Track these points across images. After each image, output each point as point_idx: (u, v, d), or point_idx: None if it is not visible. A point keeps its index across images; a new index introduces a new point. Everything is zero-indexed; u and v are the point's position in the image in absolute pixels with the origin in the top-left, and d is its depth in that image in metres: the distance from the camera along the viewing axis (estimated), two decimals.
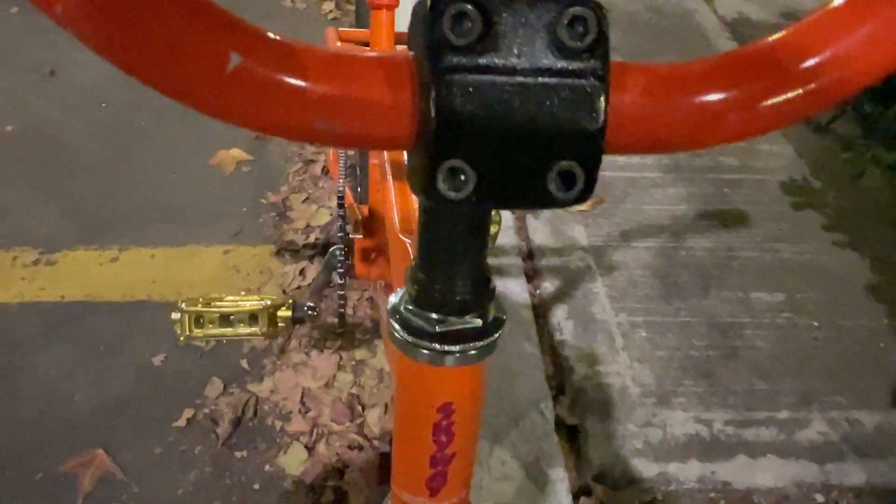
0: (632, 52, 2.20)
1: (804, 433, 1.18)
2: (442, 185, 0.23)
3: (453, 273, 0.33)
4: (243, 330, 0.78)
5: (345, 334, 1.52)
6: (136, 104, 2.09)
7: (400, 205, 0.77)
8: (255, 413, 1.37)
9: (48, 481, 1.23)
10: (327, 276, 0.98)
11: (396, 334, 0.34)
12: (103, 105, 2.11)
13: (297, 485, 1.26)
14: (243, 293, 0.78)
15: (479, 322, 0.34)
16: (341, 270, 0.96)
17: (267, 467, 1.29)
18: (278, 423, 1.36)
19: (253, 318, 0.78)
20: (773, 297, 1.41)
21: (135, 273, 1.64)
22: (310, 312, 0.85)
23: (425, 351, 0.34)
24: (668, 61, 0.27)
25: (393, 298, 0.36)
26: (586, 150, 0.24)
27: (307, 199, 1.84)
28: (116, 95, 2.12)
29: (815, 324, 1.37)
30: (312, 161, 1.96)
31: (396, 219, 0.74)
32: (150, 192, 1.85)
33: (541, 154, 0.24)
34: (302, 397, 1.39)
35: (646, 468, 1.10)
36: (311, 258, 1.68)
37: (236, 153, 1.96)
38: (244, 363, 1.46)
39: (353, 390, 1.41)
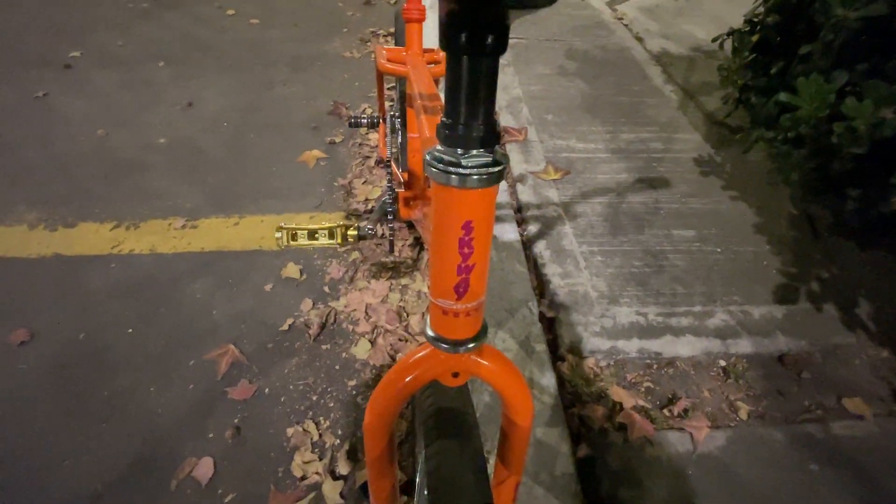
0: (586, 76, 2.15)
1: (711, 321, 1.16)
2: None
3: (471, 115, 0.32)
4: (324, 241, 0.78)
5: (394, 267, 1.52)
6: (247, 123, 2.10)
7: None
8: (335, 320, 1.38)
9: (198, 365, 1.25)
10: (381, 214, 0.98)
11: (434, 169, 0.34)
12: (225, 124, 2.11)
13: (364, 366, 1.27)
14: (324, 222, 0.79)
15: (490, 156, 0.33)
16: (390, 209, 0.96)
17: (343, 355, 1.30)
18: (350, 327, 1.37)
19: (331, 233, 0.78)
20: (687, 233, 1.39)
21: (250, 232, 1.65)
22: (370, 231, 0.85)
23: (454, 177, 0.33)
24: None
25: (429, 152, 0.35)
26: None
27: (365, 181, 1.83)
28: (234, 118, 2.12)
29: (718, 250, 1.34)
30: (368, 157, 1.94)
31: None
32: (259, 180, 1.85)
33: None
34: (366, 309, 1.40)
35: (601, 344, 1.09)
36: (368, 219, 1.68)
37: (316, 153, 1.95)
38: (326, 288, 1.47)
39: (401, 304, 1.41)
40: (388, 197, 1.00)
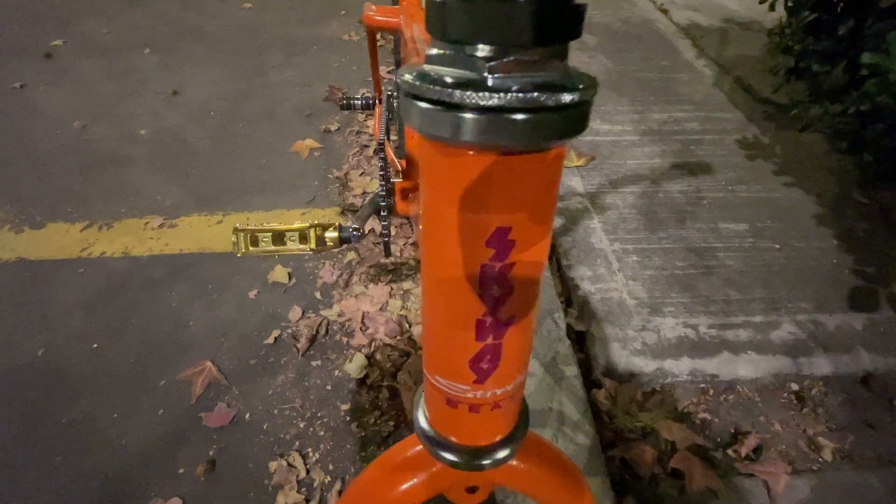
0: (608, 51, 1.93)
1: (776, 333, 0.95)
2: None
3: None
4: (294, 246, 0.59)
5: (394, 270, 1.33)
6: (235, 113, 1.92)
7: None
8: (327, 331, 1.20)
9: (169, 386, 1.08)
10: (372, 208, 0.79)
11: (420, 106, 0.14)
12: (212, 114, 1.93)
13: (359, 385, 1.09)
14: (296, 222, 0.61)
15: (556, 70, 0.14)
16: (384, 203, 0.76)
17: (336, 373, 1.12)
18: (344, 339, 1.18)
19: (303, 236, 0.60)
20: (738, 226, 1.17)
21: None
22: (355, 233, 0.67)
23: (468, 120, 0.13)
24: None
25: (407, 70, 0.15)
26: None
27: (362, 173, 1.64)
28: (221, 107, 1.95)
29: (776, 246, 1.12)
30: (366, 146, 1.75)
31: None
32: (247, 173, 1.67)
33: None
34: (362, 318, 1.21)
35: (645, 365, 0.89)
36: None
37: (309, 143, 1.76)
38: (318, 294, 1.29)
39: (402, 312, 1.22)
40: (381, 189, 0.81)
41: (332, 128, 1.84)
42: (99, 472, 0.94)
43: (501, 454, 0.22)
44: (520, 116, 0.12)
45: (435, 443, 0.22)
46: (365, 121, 1.90)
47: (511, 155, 0.13)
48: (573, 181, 1.28)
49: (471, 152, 0.13)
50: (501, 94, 0.12)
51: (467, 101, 0.13)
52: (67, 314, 1.23)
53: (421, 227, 0.17)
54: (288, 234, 0.58)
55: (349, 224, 0.67)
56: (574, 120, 0.14)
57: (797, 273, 1.06)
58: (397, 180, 0.89)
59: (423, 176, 0.15)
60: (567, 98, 0.13)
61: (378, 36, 1.04)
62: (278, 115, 1.92)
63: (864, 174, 1.23)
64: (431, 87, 0.12)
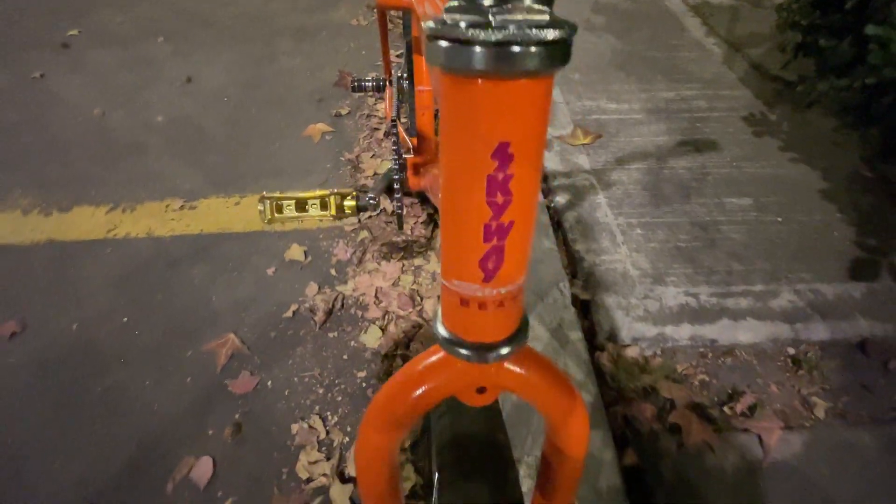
0: (615, 30, 1.94)
1: (776, 301, 0.99)
2: None
3: None
4: (315, 213, 0.64)
5: (405, 247, 1.39)
6: (247, 99, 1.98)
7: None
8: (342, 305, 1.26)
9: (196, 357, 1.16)
10: (385, 182, 0.84)
11: (438, 44, 0.19)
12: (225, 100, 1.99)
13: (374, 355, 1.16)
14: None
15: (544, 13, 0.19)
16: (397, 177, 0.81)
17: (352, 343, 1.18)
18: (359, 312, 1.25)
19: (323, 203, 0.65)
20: (742, 201, 1.20)
21: (252, 212, 1.53)
22: (371, 201, 0.72)
23: (478, 52, 0.19)
24: None
25: (430, 21, 0.20)
26: None
27: (373, 155, 1.69)
28: (234, 94, 2.01)
29: (779, 219, 1.15)
30: (377, 129, 1.80)
31: None
32: (261, 157, 1.74)
33: None
34: (376, 293, 1.28)
35: (646, 330, 0.94)
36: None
37: (321, 127, 1.82)
38: (333, 271, 1.35)
39: (413, 287, 1.28)
40: (394, 164, 0.86)
41: (343, 112, 1.89)
42: (133, 435, 1.02)
43: (504, 350, 0.27)
44: (517, 49, 0.17)
45: (451, 342, 0.28)
46: (375, 105, 1.94)
47: (510, 81, 0.18)
48: (580, 158, 1.31)
49: (479, 80, 0.18)
50: (503, 31, 0.17)
51: (477, 37, 0.18)
52: (98, 291, 1.31)
53: (440, 154, 0.22)
54: (310, 201, 0.63)
55: (366, 194, 0.72)
56: (559, 52, 0.19)
57: (799, 245, 1.09)
58: (409, 156, 0.94)
59: (442, 107, 0.20)
60: (553, 34, 0.18)
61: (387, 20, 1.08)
62: (290, 100, 1.98)
63: (870, 149, 1.25)
64: (450, 29, 0.17)
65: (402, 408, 0.32)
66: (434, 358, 0.31)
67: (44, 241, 1.45)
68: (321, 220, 1.52)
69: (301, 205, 0.64)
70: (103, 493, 0.94)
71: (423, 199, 1.46)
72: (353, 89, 1.20)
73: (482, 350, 0.27)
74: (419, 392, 0.32)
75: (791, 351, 0.93)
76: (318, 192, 0.66)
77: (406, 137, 0.98)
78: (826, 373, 0.90)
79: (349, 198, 0.69)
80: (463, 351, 0.27)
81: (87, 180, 1.66)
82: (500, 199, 0.21)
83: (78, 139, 1.81)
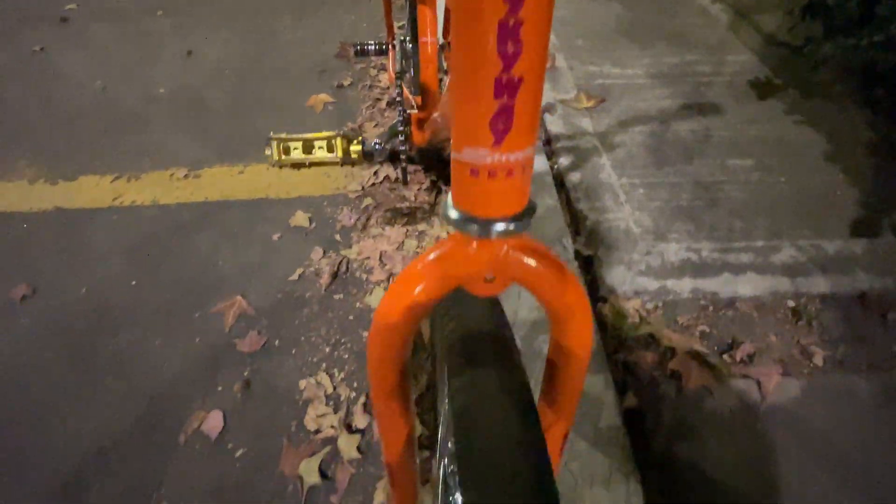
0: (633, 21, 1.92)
1: (777, 256, 1.00)
2: None
3: None
4: (322, 154, 0.66)
5: (409, 213, 1.40)
6: (249, 72, 1.98)
7: None
8: (347, 269, 1.28)
9: (204, 318, 1.18)
10: (391, 133, 0.85)
11: None
12: (227, 73, 1.99)
13: None
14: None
15: None
16: (402, 130, 0.82)
17: (357, 304, 1.20)
18: (364, 275, 1.27)
19: (330, 145, 0.66)
20: (745, 162, 1.21)
21: (256, 181, 1.54)
22: (377, 147, 0.73)
23: None
24: None
25: None
26: None
27: (377, 124, 1.70)
28: (235, 67, 2.01)
29: (782, 180, 1.16)
30: (379, 99, 1.80)
31: None
32: (265, 126, 1.74)
33: None
34: (380, 257, 1.29)
35: (648, 284, 0.95)
36: (381, 163, 1.55)
37: (323, 97, 1.82)
38: (337, 237, 1.37)
39: (418, 250, 1.30)
40: (399, 117, 0.87)
41: (346, 83, 1.89)
42: (145, 391, 1.05)
43: (512, 226, 0.28)
44: None
45: (461, 220, 0.29)
46: (377, 76, 1.94)
47: None
48: (583, 122, 1.32)
49: None
50: None
51: None
52: (106, 256, 1.33)
53: (452, 8, 0.23)
54: (316, 142, 0.64)
55: (372, 140, 0.73)
56: None
57: (801, 204, 1.10)
58: (413, 111, 0.94)
59: None
60: None
61: None
62: (292, 72, 1.97)
63: (876, 110, 1.25)
64: None
65: (414, 297, 0.33)
66: (445, 246, 0.33)
67: (51, 208, 1.47)
68: (327, 176, 1.52)
69: (308, 147, 0.65)
70: (119, 443, 0.97)
71: (427, 166, 1.46)
72: (356, 53, 1.20)
73: (491, 224, 0.28)
74: (428, 281, 0.33)
75: (791, 304, 0.95)
76: (325, 134, 0.67)
77: (410, 96, 0.99)
78: (825, 324, 0.92)
79: (355, 142, 0.70)
80: (473, 227, 0.28)
81: (91, 151, 1.67)
82: (510, 48, 0.22)
83: (81, 111, 1.82)
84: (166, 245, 1.36)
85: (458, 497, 0.29)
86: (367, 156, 0.72)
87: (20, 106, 1.85)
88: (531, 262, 0.33)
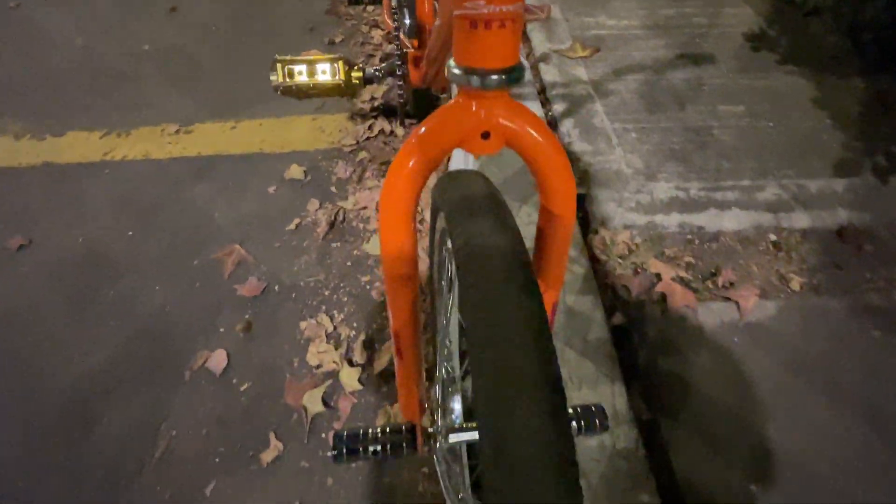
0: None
1: (761, 194, 1.10)
2: None
3: None
4: (325, 79, 0.73)
5: None
6: (236, 29, 2.02)
7: None
8: (344, 219, 1.37)
9: (203, 265, 1.26)
10: (389, 67, 0.92)
11: None
12: (214, 29, 2.03)
13: (377, 261, 1.27)
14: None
15: None
16: (399, 63, 0.90)
17: (355, 252, 1.29)
18: (361, 225, 1.35)
19: (333, 70, 0.74)
20: (735, 108, 1.30)
21: (249, 136, 1.61)
22: (377, 73, 0.80)
23: None
24: None
25: None
26: None
27: None
28: (222, 24, 2.05)
29: (770, 124, 1.26)
30: (372, 55, 1.86)
31: None
32: (255, 84, 1.80)
33: None
34: (377, 206, 1.37)
35: (637, 219, 1.05)
36: (375, 117, 1.63)
37: (314, 53, 1.86)
38: (333, 188, 1.44)
39: None
40: (396, 52, 0.94)
41: (337, 39, 1.95)
42: (148, 333, 1.14)
43: (506, 76, 0.37)
44: None
45: (461, 74, 0.37)
46: (369, 32, 1.99)
47: None
48: (578, 70, 1.40)
49: None
50: None
51: None
52: (100, 209, 1.40)
53: None
54: (319, 66, 0.71)
55: (373, 68, 0.81)
56: None
57: (788, 147, 1.20)
58: (409, 49, 1.02)
59: None
60: None
61: None
62: (281, 29, 2.02)
63: (864, 59, 1.34)
64: None
65: (422, 153, 0.42)
66: (447, 108, 0.41)
67: (40, 163, 1.53)
68: (321, 130, 1.59)
69: (311, 70, 0.72)
70: (124, 380, 1.06)
71: (421, 118, 1.54)
72: (350, 1, 1.26)
73: (489, 75, 0.36)
74: (435, 141, 0.42)
75: (773, 237, 1.05)
76: (328, 56, 0.74)
77: (406, 40, 1.07)
78: (804, 255, 1.02)
79: (356, 69, 0.78)
80: (474, 78, 0.37)
81: (77, 107, 1.72)
82: None
83: (64, 67, 1.86)
84: (161, 198, 1.43)
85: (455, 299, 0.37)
86: (368, 81, 0.79)
87: (0, 61, 1.89)
88: (522, 123, 0.42)
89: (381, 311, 1.17)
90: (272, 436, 0.97)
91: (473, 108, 0.39)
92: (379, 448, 0.58)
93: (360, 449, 0.57)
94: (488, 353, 0.31)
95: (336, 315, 1.17)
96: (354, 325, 1.15)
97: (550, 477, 0.26)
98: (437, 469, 0.72)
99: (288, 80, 0.73)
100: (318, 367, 1.08)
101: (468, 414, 0.62)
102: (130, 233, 1.34)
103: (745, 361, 0.85)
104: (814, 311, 0.92)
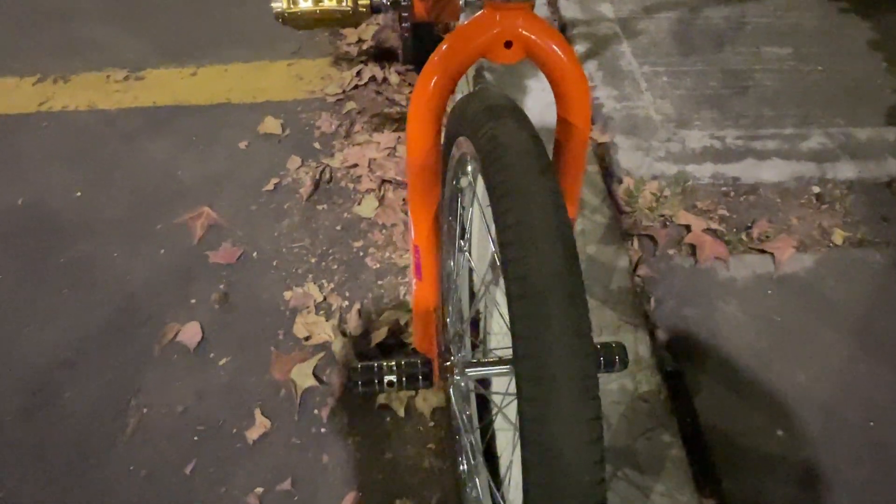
0: None
1: (805, 143, 1.30)
2: None
3: None
4: (331, 4, 0.90)
5: (400, 118, 1.67)
6: None
7: None
8: (331, 179, 1.55)
9: (167, 229, 1.44)
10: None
11: None
12: None
13: (371, 224, 1.45)
14: None
15: None
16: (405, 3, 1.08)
17: (346, 215, 1.47)
18: (351, 185, 1.53)
19: None
20: (781, 50, 1.50)
21: (213, 84, 1.79)
22: (385, 2, 0.98)
23: None
24: None
25: None
26: None
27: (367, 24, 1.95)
28: None
29: (819, 68, 1.46)
30: None
31: None
32: (221, 23, 1.98)
33: None
34: (369, 164, 1.56)
35: (667, 168, 1.24)
36: (364, 62, 1.81)
37: None
38: (317, 144, 1.63)
39: None
40: None
41: None
42: (109, 302, 1.31)
43: None
44: None
45: None
46: None
47: None
48: (602, 6, 1.60)
49: None
50: None
51: None
52: (40, 166, 1.57)
53: None
54: None
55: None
56: None
57: (836, 92, 1.40)
58: None
59: None
60: None
61: None
62: None
63: None
64: None
65: (449, 62, 0.61)
66: (473, 21, 0.61)
67: None
68: (299, 78, 1.76)
69: None
70: (86, 354, 1.23)
71: (420, 63, 1.73)
72: None
73: None
74: (461, 47, 0.61)
75: (816, 189, 1.25)
76: None
77: None
78: (849, 208, 1.22)
79: None
80: None
81: (5, 49, 1.89)
82: None
83: None
84: (113, 154, 1.61)
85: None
86: (375, 10, 0.96)
87: None
88: (542, 34, 0.61)
89: (377, 279, 1.35)
90: (258, 412, 1.15)
91: (497, 19, 0.59)
92: (394, 379, 0.76)
93: (377, 380, 0.75)
94: (519, 253, 0.48)
95: (325, 284, 1.35)
96: (347, 294, 1.33)
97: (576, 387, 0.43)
98: (453, 403, 0.90)
99: (293, 5, 0.90)
100: (307, 338, 1.26)
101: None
102: (79, 193, 1.51)
103: (778, 313, 1.04)
104: (854, 264, 1.11)
